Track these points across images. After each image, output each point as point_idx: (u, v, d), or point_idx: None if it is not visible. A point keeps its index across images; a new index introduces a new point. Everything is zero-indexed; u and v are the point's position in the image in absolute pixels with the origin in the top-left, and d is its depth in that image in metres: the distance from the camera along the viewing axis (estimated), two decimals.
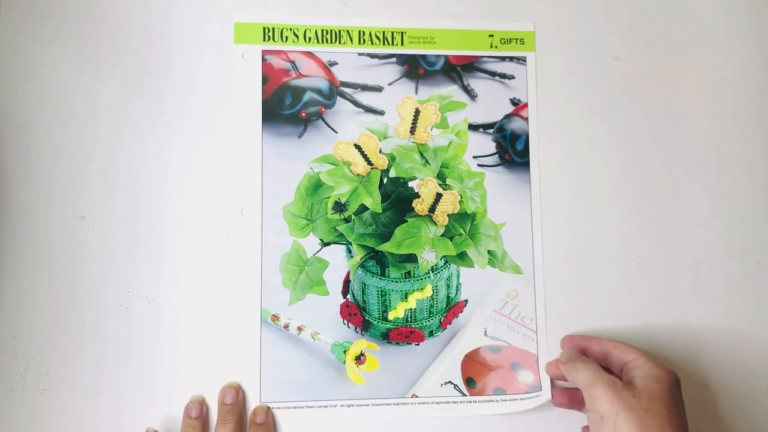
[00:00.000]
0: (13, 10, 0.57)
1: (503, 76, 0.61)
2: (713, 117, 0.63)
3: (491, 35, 0.61)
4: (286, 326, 0.56)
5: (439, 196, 0.57)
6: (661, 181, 0.62)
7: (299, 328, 0.56)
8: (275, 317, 0.56)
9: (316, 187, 0.57)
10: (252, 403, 0.56)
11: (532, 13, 0.62)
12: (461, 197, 0.58)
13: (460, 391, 0.57)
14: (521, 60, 0.61)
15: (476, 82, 0.60)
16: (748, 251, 0.62)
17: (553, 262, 0.60)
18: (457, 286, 0.58)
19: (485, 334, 0.59)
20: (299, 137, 0.59)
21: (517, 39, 0.61)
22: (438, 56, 0.61)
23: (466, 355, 0.58)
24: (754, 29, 0.64)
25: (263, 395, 0.55)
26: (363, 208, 0.57)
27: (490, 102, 0.61)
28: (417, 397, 0.57)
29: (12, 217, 0.56)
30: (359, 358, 0.56)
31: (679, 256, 0.61)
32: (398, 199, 0.57)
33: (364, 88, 0.59)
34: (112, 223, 0.57)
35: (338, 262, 0.58)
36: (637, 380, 0.50)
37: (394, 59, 0.60)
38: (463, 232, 0.58)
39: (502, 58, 0.61)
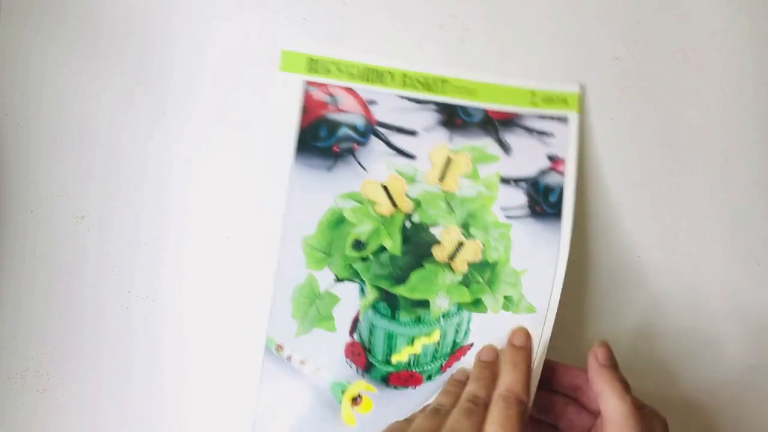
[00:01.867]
0: (13, 10, 0.57)
1: (541, 133, 0.61)
2: (714, 117, 0.63)
3: (534, 93, 0.60)
4: (289, 358, 0.55)
5: (460, 244, 0.57)
6: (661, 182, 0.62)
7: (302, 362, 0.55)
8: (280, 347, 0.56)
9: (338, 222, 0.57)
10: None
11: (577, 73, 0.62)
12: (483, 246, 0.57)
13: None
14: (562, 119, 0.60)
15: (512, 137, 0.60)
16: (748, 251, 0.61)
17: (564, 292, 0.58)
18: (465, 332, 0.58)
19: None
20: (329, 170, 0.59)
21: (560, 98, 0.60)
22: (477, 109, 0.60)
23: None
24: (755, 28, 0.64)
25: (256, 425, 0.54)
26: (382, 249, 0.56)
27: (525, 157, 0.60)
28: None
29: (12, 217, 0.56)
30: (355, 400, 0.56)
31: (677, 257, 0.61)
32: (418, 243, 0.57)
33: (399, 130, 0.60)
34: (112, 223, 0.56)
35: (349, 300, 0.57)
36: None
37: (433, 106, 0.60)
38: (481, 279, 0.57)
39: (543, 117, 0.61)
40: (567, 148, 0.61)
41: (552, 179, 0.61)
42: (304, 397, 0.56)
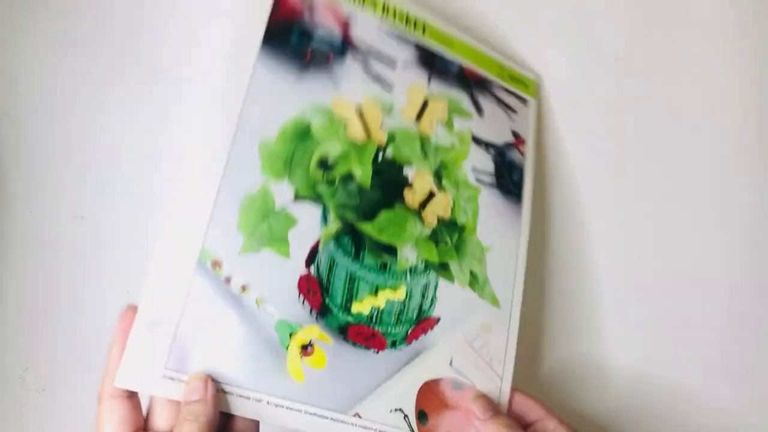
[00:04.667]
0: (12, 10, 0.58)
1: (508, 107, 0.61)
2: (714, 117, 0.62)
3: (501, 67, 0.62)
4: (228, 280, 0.48)
5: (431, 194, 0.54)
6: (661, 181, 0.61)
7: (243, 287, 0.48)
8: (217, 264, 0.47)
9: (303, 133, 0.52)
10: None
11: (540, 61, 0.64)
12: (454, 204, 0.54)
13: (409, 425, 0.49)
14: (524, 100, 0.62)
15: (485, 101, 0.60)
16: (748, 251, 0.61)
17: (531, 301, 0.57)
18: (432, 299, 0.52)
19: (451, 364, 0.51)
20: (298, 74, 0.52)
21: (522, 81, 0.62)
22: (453, 63, 0.60)
23: (425, 383, 0.50)
24: (756, 29, 0.65)
25: (171, 356, 0.45)
26: (350, 177, 0.53)
27: (495, 124, 0.60)
28: (359, 417, 0.48)
29: (12, 217, 0.56)
30: (306, 349, 0.48)
31: (679, 257, 0.60)
32: (389, 181, 0.53)
33: (378, 57, 0.57)
34: (111, 224, 0.56)
35: (309, 225, 0.51)
36: None
37: (412, 47, 0.59)
38: (449, 241, 0.53)
39: (509, 91, 0.62)
40: (528, 129, 0.61)
41: (515, 156, 0.60)
42: (241, 332, 0.46)
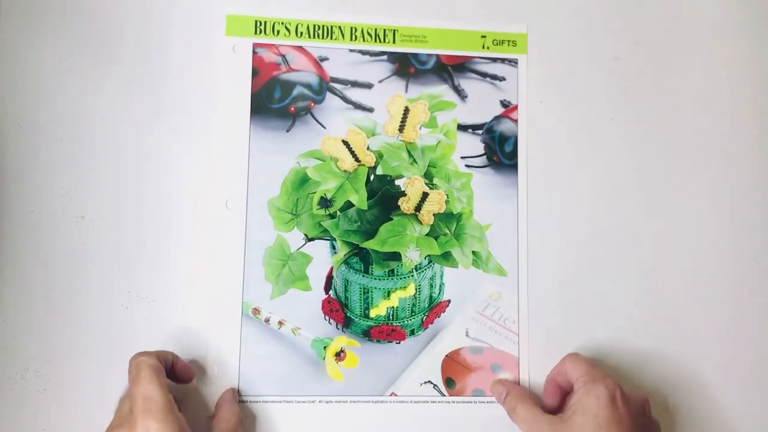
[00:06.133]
0: (13, 10, 0.58)
1: (494, 77, 0.60)
2: (713, 117, 0.62)
3: (483, 36, 0.60)
4: (267, 320, 0.56)
5: (425, 195, 0.57)
6: (659, 182, 0.61)
7: (280, 323, 0.56)
8: (256, 311, 0.56)
9: (302, 181, 0.57)
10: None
11: (526, 15, 0.61)
12: (447, 197, 0.57)
13: (440, 391, 0.57)
14: (512, 62, 0.60)
15: (467, 83, 0.60)
16: (747, 251, 0.61)
17: (539, 265, 0.60)
18: (440, 286, 0.58)
19: (467, 335, 0.58)
20: (287, 131, 0.59)
21: (509, 41, 0.60)
22: (429, 55, 0.60)
23: (446, 355, 0.58)
24: (754, 28, 0.63)
25: (241, 389, 0.56)
26: (349, 205, 0.57)
27: (480, 103, 0.60)
28: (396, 395, 0.57)
29: (12, 217, 0.56)
30: (339, 355, 0.57)
31: (677, 257, 0.61)
32: (384, 196, 0.57)
33: (354, 84, 0.59)
34: (112, 223, 0.57)
35: (322, 258, 0.58)
36: (570, 412, 0.51)
37: (385, 57, 0.60)
38: (448, 232, 0.57)
39: (494, 60, 0.60)
40: (519, 91, 0.61)
41: (506, 127, 0.61)
42: (287, 357, 0.57)
